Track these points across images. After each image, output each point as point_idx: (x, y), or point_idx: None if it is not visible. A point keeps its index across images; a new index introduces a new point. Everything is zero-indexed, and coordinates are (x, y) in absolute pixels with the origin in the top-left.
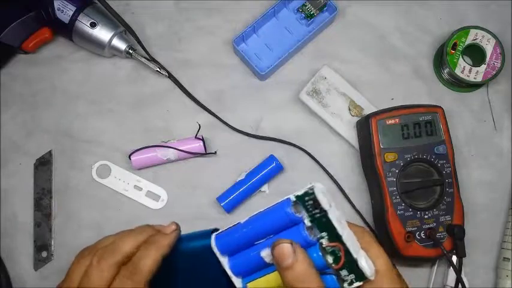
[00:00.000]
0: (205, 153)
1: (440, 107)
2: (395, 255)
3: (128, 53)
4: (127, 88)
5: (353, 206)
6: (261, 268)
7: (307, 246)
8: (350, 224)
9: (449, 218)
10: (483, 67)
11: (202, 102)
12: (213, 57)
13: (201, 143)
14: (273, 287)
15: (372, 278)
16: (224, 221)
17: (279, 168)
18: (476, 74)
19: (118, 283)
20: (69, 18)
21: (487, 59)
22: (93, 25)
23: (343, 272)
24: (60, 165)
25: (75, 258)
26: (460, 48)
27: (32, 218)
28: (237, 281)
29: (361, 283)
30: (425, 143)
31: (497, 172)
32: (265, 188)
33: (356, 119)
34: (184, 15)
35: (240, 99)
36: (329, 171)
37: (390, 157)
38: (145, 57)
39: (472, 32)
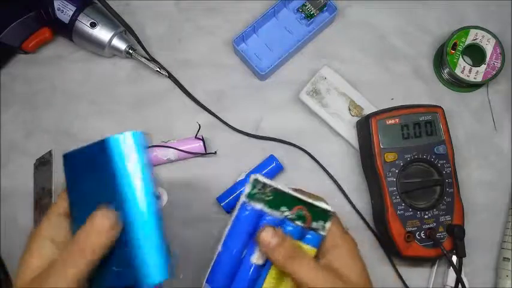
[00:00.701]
0: (205, 153)
1: (440, 107)
2: (396, 255)
3: (127, 53)
4: (127, 88)
5: (353, 206)
6: (259, 275)
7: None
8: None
9: (449, 218)
10: (483, 67)
11: (202, 102)
12: (213, 57)
13: (201, 143)
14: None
15: (333, 210)
16: (224, 221)
17: (279, 168)
18: (476, 74)
19: None
20: (69, 18)
21: (487, 59)
22: (93, 25)
23: (314, 224)
24: (60, 165)
25: None
26: (460, 48)
27: (32, 218)
28: None
29: (330, 222)
30: (425, 143)
31: (497, 172)
32: None
33: (356, 119)
34: (184, 15)
35: (240, 99)
36: (329, 171)
37: (390, 157)
38: (145, 57)
39: (472, 32)
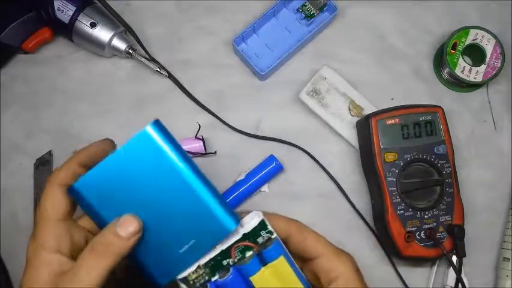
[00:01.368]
0: (205, 153)
1: (440, 107)
2: (396, 255)
3: (127, 53)
4: (127, 88)
5: (353, 206)
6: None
7: (239, 277)
8: (276, 217)
9: (449, 218)
10: (483, 67)
11: (202, 102)
12: (213, 57)
13: (201, 143)
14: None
15: (260, 212)
16: None
17: (279, 168)
18: (476, 74)
19: None
20: (69, 18)
21: (487, 59)
22: (93, 25)
23: (260, 240)
24: (60, 165)
25: None
26: (460, 48)
27: (32, 218)
28: None
29: (269, 224)
30: (425, 143)
31: (497, 172)
32: (265, 188)
33: (356, 119)
34: (184, 15)
35: (240, 99)
36: (329, 171)
37: (390, 157)
38: (145, 57)
39: (472, 32)
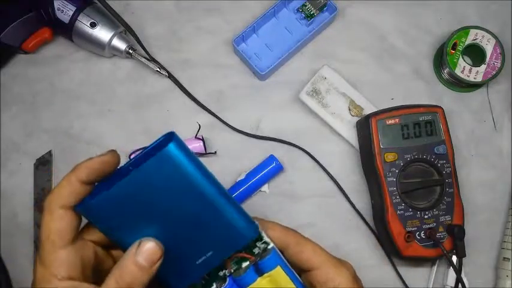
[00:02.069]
0: (205, 153)
1: (440, 107)
2: (396, 255)
3: (127, 53)
4: (127, 88)
5: (353, 206)
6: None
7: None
8: (273, 226)
9: (449, 218)
10: (483, 67)
11: (202, 102)
12: (213, 57)
13: (201, 143)
14: None
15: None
16: None
17: (279, 168)
18: (476, 74)
19: None
20: (69, 18)
21: (487, 59)
22: (93, 25)
23: (257, 250)
24: (60, 165)
25: None
26: (460, 48)
27: (32, 218)
28: None
29: (264, 233)
30: (425, 143)
31: (497, 172)
32: (265, 188)
33: (356, 119)
34: (184, 15)
35: (240, 99)
36: (329, 171)
37: (390, 157)
38: (145, 57)
39: (472, 32)
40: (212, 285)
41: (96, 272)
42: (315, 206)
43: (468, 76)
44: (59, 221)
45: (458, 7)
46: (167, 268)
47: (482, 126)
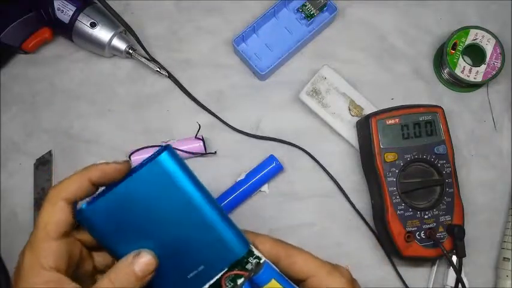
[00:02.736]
0: (205, 153)
1: (440, 107)
2: (396, 255)
3: (127, 53)
4: (127, 88)
5: (353, 206)
6: None
7: None
8: (264, 240)
9: (449, 218)
10: (483, 67)
11: (202, 102)
12: (213, 57)
13: (201, 143)
14: None
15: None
16: None
17: (279, 168)
18: (476, 74)
19: None
20: (69, 18)
21: (487, 59)
22: (93, 25)
23: (249, 266)
24: (60, 165)
25: None
26: (460, 48)
27: (32, 218)
28: None
29: (255, 248)
30: (425, 143)
31: (497, 172)
32: (265, 188)
33: (356, 119)
34: (184, 15)
35: (240, 99)
36: (329, 171)
37: (390, 157)
38: (145, 57)
39: (472, 32)
40: None
41: (75, 271)
42: (315, 206)
43: (468, 76)
44: (59, 212)
45: (458, 7)
46: (158, 281)
47: (482, 126)
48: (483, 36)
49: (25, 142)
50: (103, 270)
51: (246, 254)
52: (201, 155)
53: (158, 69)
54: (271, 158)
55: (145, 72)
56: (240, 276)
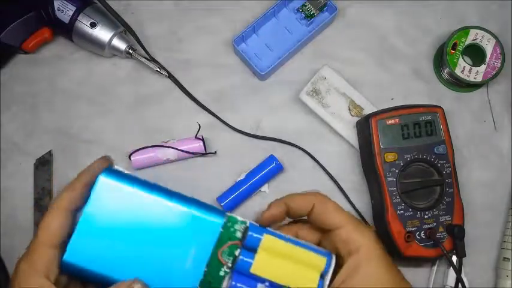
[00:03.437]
0: (205, 153)
1: (440, 107)
2: (396, 255)
3: (127, 53)
4: (127, 88)
5: (353, 206)
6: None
7: (242, 277)
8: (293, 198)
9: (449, 218)
10: (483, 67)
11: (202, 102)
12: (213, 57)
13: (201, 143)
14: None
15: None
16: None
17: (279, 168)
18: (476, 74)
19: None
20: (69, 18)
21: (487, 59)
22: (93, 25)
23: (237, 235)
24: (60, 165)
25: None
26: (460, 48)
27: (32, 218)
28: None
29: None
30: (425, 143)
31: (497, 172)
32: (265, 188)
33: (356, 119)
34: (184, 15)
35: (240, 99)
36: (329, 171)
37: (390, 157)
38: (145, 57)
39: (472, 32)
40: (221, 286)
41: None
42: None
43: (468, 76)
44: (54, 220)
45: (458, 7)
46: (160, 282)
47: (482, 126)
48: (483, 36)
49: (25, 142)
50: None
51: (230, 223)
52: (201, 155)
53: (158, 69)
54: (271, 158)
55: (145, 72)
56: (235, 247)
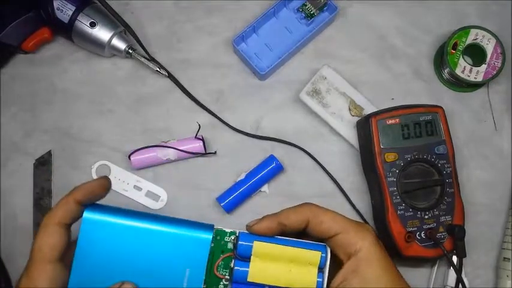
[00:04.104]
0: (205, 153)
1: (440, 107)
2: (396, 256)
3: (127, 52)
4: (127, 88)
5: (353, 206)
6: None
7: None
8: (288, 213)
9: (449, 218)
10: (483, 67)
11: (202, 102)
12: (213, 57)
13: (201, 143)
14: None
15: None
16: (224, 221)
17: (279, 168)
18: (477, 74)
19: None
20: (68, 18)
21: (488, 58)
22: (92, 25)
23: (229, 246)
24: (60, 165)
25: None
26: (460, 48)
27: (32, 218)
28: None
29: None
30: (425, 143)
31: (497, 172)
32: (265, 188)
33: (356, 119)
34: (184, 15)
35: (240, 99)
36: (329, 171)
37: (390, 157)
38: (145, 57)
39: (473, 31)
40: None
41: None
42: None
43: (468, 76)
44: (50, 236)
45: (458, 7)
46: None
47: (483, 126)
48: (483, 36)
49: (25, 142)
50: None
51: (220, 237)
52: (201, 155)
53: (158, 69)
54: (271, 158)
55: (145, 72)
56: (229, 259)
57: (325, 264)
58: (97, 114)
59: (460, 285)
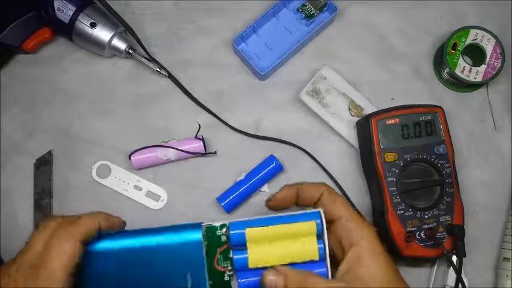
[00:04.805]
0: (205, 153)
1: (440, 107)
2: (395, 255)
3: (127, 53)
4: (127, 88)
5: (353, 206)
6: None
7: (245, 273)
8: (306, 187)
9: (449, 218)
10: (483, 67)
11: (202, 102)
12: (213, 57)
13: (201, 143)
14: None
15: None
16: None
17: (279, 168)
18: (476, 74)
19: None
20: (69, 18)
21: (487, 59)
22: (93, 25)
23: (223, 238)
24: (60, 165)
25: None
26: (460, 48)
27: (32, 218)
28: None
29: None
30: (425, 143)
31: (497, 172)
32: (265, 188)
33: (356, 119)
34: (184, 15)
35: (240, 99)
36: (329, 171)
37: (390, 157)
38: (145, 57)
39: (472, 32)
40: None
41: None
42: None
43: (468, 76)
44: (68, 250)
45: (458, 7)
46: None
47: (482, 126)
48: (483, 36)
49: (25, 142)
50: None
51: (211, 233)
52: (201, 155)
53: (158, 69)
54: (271, 158)
55: (145, 72)
56: (227, 251)
57: (322, 230)
58: (97, 114)
59: (460, 285)
